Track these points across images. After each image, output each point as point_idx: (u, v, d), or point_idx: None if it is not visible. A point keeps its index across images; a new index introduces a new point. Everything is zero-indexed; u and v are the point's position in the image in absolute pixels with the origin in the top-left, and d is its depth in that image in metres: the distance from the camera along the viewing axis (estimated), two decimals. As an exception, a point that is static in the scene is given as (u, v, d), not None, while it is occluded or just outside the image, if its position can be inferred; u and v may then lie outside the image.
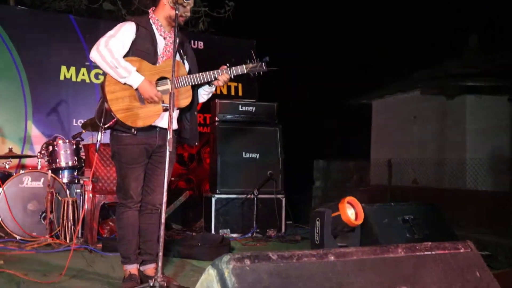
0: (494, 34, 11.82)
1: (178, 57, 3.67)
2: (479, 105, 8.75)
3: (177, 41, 3.45)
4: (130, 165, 3.68)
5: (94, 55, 3.53)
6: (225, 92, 7.79)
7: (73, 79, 7.36)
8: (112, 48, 3.49)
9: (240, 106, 6.72)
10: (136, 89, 3.52)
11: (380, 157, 10.46)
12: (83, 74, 7.39)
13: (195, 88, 3.82)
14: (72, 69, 7.35)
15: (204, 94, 3.97)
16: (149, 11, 3.80)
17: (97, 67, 7.23)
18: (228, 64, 3.77)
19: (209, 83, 3.81)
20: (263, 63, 3.79)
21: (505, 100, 8.67)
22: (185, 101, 3.70)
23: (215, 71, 3.73)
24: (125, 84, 3.51)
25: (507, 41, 10.17)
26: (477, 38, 10.11)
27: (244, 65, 3.78)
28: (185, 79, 3.64)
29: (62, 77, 7.31)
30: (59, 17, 7.94)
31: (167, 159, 3.27)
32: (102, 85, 3.57)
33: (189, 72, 3.80)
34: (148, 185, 3.80)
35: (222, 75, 3.73)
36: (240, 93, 7.33)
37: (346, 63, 13.52)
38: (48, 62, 7.26)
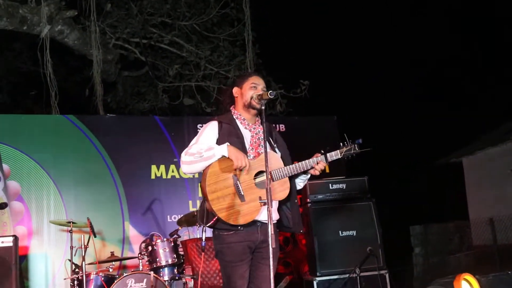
0: None
1: (269, 148, 3.65)
2: None
3: (265, 131, 3.49)
4: (234, 263, 3.65)
5: (183, 168, 3.64)
6: (312, 172, 7.69)
7: (164, 176, 7.57)
8: (191, 150, 3.58)
9: (330, 184, 6.62)
10: (236, 186, 3.53)
11: (479, 215, 9.97)
12: (173, 171, 7.59)
13: (292, 177, 3.78)
14: (162, 167, 7.57)
15: (300, 183, 3.92)
16: (231, 108, 3.87)
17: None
18: (322, 151, 3.68)
19: (305, 172, 3.77)
20: (356, 145, 3.69)
21: None
22: (283, 193, 3.66)
23: (310, 160, 3.67)
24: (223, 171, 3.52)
25: None
26: None
27: (338, 150, 3.70)
28: (282, 171, 3.62)
29: (153, 176, 7.53)
30: (145, 119, 8.35)
31: (271, 255, 3.22)
32: (202, 186, 3.58)
33: (281, 159, 3.77)
34: (254, 281, 3.72)
35: (319, 163, 3.67)
36: (327, 171, 7.25)
37: (429, 123, 13.25)
38: (139, 163, 7.52)
